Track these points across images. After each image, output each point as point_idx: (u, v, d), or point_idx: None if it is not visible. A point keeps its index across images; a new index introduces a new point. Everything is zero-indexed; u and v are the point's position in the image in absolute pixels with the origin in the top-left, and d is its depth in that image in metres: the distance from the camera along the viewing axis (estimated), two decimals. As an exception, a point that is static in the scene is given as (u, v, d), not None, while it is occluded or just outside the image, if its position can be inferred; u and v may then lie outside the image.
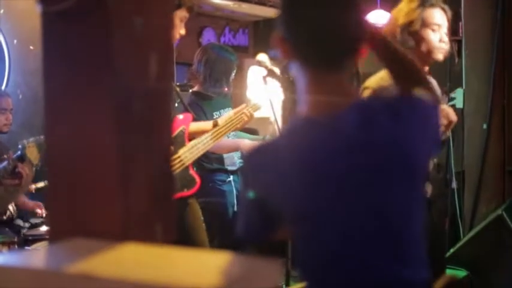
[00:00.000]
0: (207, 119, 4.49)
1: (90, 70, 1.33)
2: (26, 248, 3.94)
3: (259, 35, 7.49)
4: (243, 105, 3.97)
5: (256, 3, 6.70)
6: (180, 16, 3.68)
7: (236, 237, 1.98)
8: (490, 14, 4.95)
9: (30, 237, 4.11)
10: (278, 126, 3.78)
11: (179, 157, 3.75)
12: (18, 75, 5.59)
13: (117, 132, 1.33)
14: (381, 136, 1.80)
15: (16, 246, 3.91)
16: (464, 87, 4.99)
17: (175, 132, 3.79)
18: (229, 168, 4.95)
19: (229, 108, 4.97)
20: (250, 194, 1.91)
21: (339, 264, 1.84)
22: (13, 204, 4.37)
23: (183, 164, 3.75)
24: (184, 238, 3.81)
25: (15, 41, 5.53)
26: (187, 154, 3.76)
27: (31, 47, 5.42)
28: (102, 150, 1.35)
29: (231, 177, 4.94)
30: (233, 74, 5.05)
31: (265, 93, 3.73)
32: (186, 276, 1.06)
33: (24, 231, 4.29)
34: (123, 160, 1.34)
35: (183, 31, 3.72)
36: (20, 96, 5.56)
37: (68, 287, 1.07)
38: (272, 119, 3.93)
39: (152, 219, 1.40)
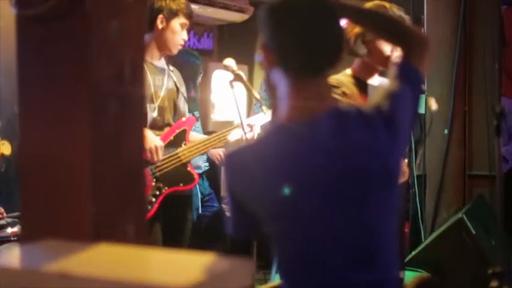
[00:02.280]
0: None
1: (66, 74, 1.34)
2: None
3: (223, 39, 7.49)
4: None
5: (221, 7, 6.70)
6: (180, 23, 3.86)
7: (226, 233, 2.02)
8: (452, 20, 5.02)
9: (-5, 239, 4.07)
10: (243, 130, 3.81)
11: (177, 154, 3.82)
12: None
13: (91, 134, 1.35)
14: (356, 142, 1.84)
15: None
16: (426, 92, 5.05)
17: (177, 132, 3.85)
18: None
19: (197, 112, 4.99)
20: (231, 195, 1.95)
21: (312, 266, 1.87)
22: None
23: (180, 161, 3.82)
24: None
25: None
26: (185, 152, 3.84)
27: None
28: (75, 152, 1.37)
29: (196, 181, 4.95)
30: (199, 78, 5.07)
31: (231, 97, 3.75)
32: (159, 275, 1.08)
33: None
34: (95, 162, 1.36)
35: (185, 37, 3.90)
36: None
37: (45, 286, 1.08)
38: (237, 122, 3.96)
39: (123, 221, 1.42)
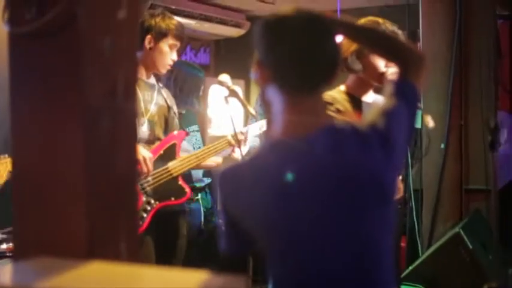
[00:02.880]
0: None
1: (59, 89, 1.34)
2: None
3: (220, 54, 7.50)
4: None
5: (217, 22, 6.72)
6: (169, 44, 3.86)
7: (219, 251, 2.01)
8: (448, 35, 5.03)
9: (-10, 255, 4.05)
10: (238, 144, 3.81)
11: (167, 168, 3.80)
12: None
13: (83, 150, 1.35)
14: (352, 159, 1.84)
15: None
16: (422, 107, 5.06)
17: (167, 146, 3.84)
18: (197, 185, 4.96)
19: (196, 125, 4.99)
20: (225, 212, 1.95)
21: (311, 279, 1.87)
22: None
23: (171, 174, 3.81)
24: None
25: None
26: (176, 166, 3.82)
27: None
28: (68, 168, 1.37)
29: (199, 196, 4.95)
30: (201, 91, 5.08)
31: (226, 112, 3.76)
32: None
33: (-17, 249, 4.22)
34: (88, 177, 1.36)
35: (174, 57, 3.90)
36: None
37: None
38: (231, 137, 3.96)
39: (116, 236, 1.42)
